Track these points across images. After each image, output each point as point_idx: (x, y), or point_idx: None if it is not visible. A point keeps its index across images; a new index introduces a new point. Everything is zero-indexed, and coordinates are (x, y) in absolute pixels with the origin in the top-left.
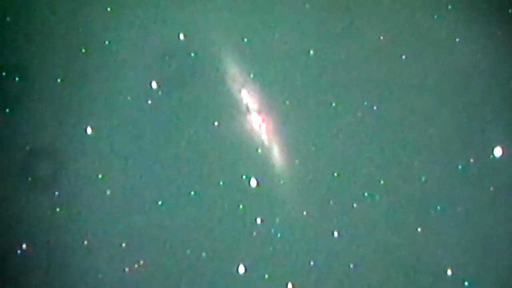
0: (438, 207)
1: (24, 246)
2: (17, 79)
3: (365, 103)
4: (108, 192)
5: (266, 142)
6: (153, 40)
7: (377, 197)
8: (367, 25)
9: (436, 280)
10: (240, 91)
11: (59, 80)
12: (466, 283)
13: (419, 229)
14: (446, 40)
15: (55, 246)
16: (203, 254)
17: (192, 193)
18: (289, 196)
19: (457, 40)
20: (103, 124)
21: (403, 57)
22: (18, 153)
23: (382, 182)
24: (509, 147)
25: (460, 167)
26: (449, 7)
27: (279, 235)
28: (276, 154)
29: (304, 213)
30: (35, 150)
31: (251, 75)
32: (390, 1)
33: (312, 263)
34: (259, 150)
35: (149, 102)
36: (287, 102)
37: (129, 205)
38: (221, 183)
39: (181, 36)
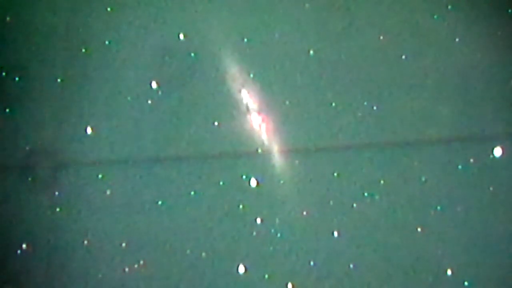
0: (438, 207)
1: (24, 246)
2: (17, 79)
3: (365, 103)
4: (108, 192)
5: (266, 142)
6: (153, 40)
7: (377, 197)
8: (367, 25)
9: (436, 280)
10: (240, 91)
11: (59, 80)
12: (466, 283)
13: (419, 229)
14: (446, 40)
15: (55, 246)
16: (203, 254)
17: (192, 193)
18: (289, 196)
19: (457, 40)
20: (103, 124)
21: (403, 57)
22: (18, 153)
23: (382, 182)
24: (509, 147)
25: (460, 167)
26: (449, 7)
27: (279, 235)
28: (276, 154)
29: (304, 213)
30: (35, 150)
31: (251, 75)
32: (390, 1)
33: (312, 263)
34: (259, 150)
35: (149, 102)
36: (287, 102)
37: (129, 205)
38: (221, 183)
39: (181, 36)
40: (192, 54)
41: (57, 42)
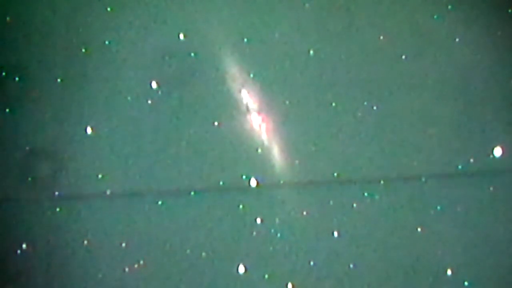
0: (438, 207)
1: (24, 246)
2: (17, 79)
3: (365, 103)
4: (108, 192)
5: (266, 142)
6: (153, 40)
7: (377, 197)
8: (367, 25)
9: (436, 280)
10: (240, 91)
11: (59, 80)
12: (466, 283)
13: (419, 229)
14: (446, 40)
15: (55, 246)
16: (203, 254)
17: (192, 193)
18: (289, 196)
19: (457, 40)
20: (103, 124)
21: (403, 57)
22: (18, 153)
23: (382, 182)
24: (509, 147)
25: (460, 167)
26: (449, 7)
27: (279, 235)
28: (276, 154)
29: (304, 213)
30: (35, 150)
31: (251, 75)
32: (390, 1)
33: (312, 263)
34: (259, 150)
35: (149, 102)
36: (287, 102)
37: (129, 205)
38: (221, 183)
39: (181, 36)
40: (192, 54)
41: (57, 42)
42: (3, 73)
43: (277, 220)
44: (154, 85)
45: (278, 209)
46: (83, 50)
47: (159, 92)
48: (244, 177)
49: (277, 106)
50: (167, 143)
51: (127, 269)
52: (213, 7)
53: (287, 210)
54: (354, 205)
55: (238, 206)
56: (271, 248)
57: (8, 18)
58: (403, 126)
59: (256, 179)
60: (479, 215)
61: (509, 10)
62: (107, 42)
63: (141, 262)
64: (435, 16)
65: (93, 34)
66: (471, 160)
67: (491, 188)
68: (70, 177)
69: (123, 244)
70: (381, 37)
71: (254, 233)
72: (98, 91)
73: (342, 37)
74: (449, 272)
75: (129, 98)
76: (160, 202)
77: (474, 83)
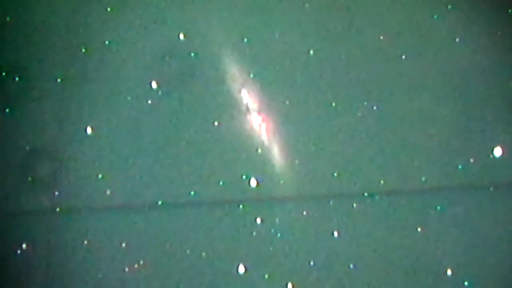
0: (438, 207)
1: (24, 246)
2: (17, 79)
3: (365, 103)
4: (108, 192)
5: (266, 142)
6: (153, 40)
7: (377, 197)
8: (367, 25)
9: (436, 280)
10: (240, 91)
11: (59, 80)
12: (466, 283)
13: (419, 229)
14: (446, 40)
15: (55, 246)
16: (203, 254)
17: (192, 193)
18: (289, 196)
19: (457, 40)
20: (103, 124)
21: (403, 57)
22: (18, 153)
23: (382, 182)
24: (509, 147)
25: (460, 167)
26: (449, 7)
27: (279, 235)
28: (276, 154)
29: (304, 213)
30: (35, 150)
31: (251, 75)
32: (390, 1)
33: (312, 263)
34: (259, 150)
35: (149, 102)
36: (287, 102)
37: (129, 205)
38: (221, 183)
39: (181, 36)
40: (192, 54)
41: (57, 42)
42: (3, 73)
43: (277, 220)
44: (154, 85)
45: (278, 209)
46: (83, 50)
47: (159, 92)
48: (244, 177)
49: (277, 106)
50: (167, 143)
51: (127, 269)
52: (213, 7)
53: (287, 210)
54: (354, 205)
55: (238, 206)
56: (271, 248)
57: (8, 18)
58: (403, 126)
59: (256, 179)
60: (479, 215)
61: (509, 10)
62: (107, 42)
63: (141, 262)
64: (435, 16)
65: (93, 34)
66: (471, 160)
67: (491, 188)
68: (70, 177)
69: (123, 244)
70: (381, 37)
71: (254, 233)
72: (98, 91)
73: (342, 37)
74: (449, 272)
75: (129, 98)
76: (160, 202)
77: (474, 83)
